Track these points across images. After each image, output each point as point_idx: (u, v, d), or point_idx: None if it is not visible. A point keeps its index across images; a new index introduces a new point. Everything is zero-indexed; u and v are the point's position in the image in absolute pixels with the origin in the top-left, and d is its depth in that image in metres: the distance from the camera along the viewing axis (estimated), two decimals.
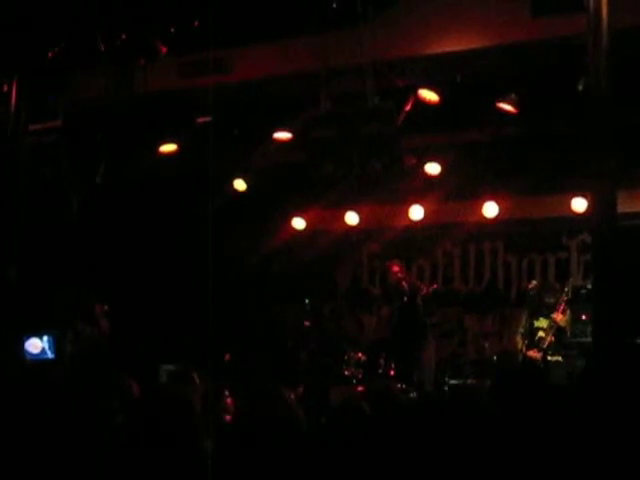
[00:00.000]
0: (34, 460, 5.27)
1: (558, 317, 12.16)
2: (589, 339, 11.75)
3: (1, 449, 5.39)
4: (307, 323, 14.17)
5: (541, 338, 12.20)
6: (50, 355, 11.11)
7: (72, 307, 12.81)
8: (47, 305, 12.35)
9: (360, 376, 12.85)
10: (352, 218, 15.11)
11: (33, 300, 11.45)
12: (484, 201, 13.89)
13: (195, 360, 8.98)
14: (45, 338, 11.16)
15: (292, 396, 5.66)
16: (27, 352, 11.14)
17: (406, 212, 14.59)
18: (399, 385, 12.08)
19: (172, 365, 12.64)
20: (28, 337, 11.20)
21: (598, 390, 5.78)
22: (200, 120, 11.90)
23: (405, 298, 13.19)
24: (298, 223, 15.53)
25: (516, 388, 5.77)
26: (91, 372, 11.49)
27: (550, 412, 5.45)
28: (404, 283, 13.38)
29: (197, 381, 8.69)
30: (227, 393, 9.44)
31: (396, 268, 13.60)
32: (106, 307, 12.84)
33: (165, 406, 5.50)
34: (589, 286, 12.28)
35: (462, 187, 13.99)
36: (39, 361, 11.06)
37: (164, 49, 10.76)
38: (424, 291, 13.37)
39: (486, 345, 13.63)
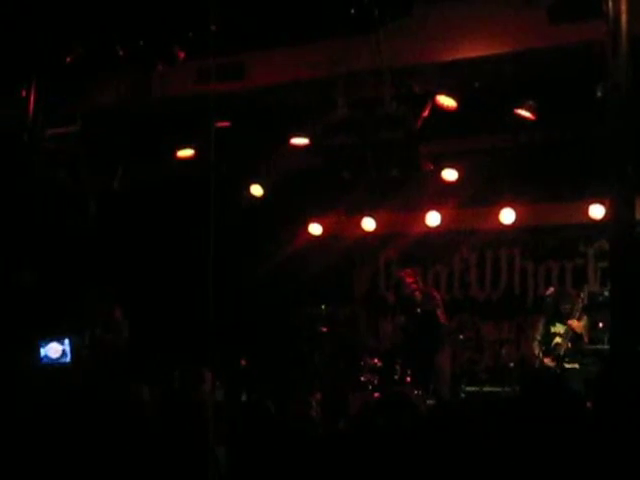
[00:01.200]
0: (48, 461, 5.28)
1: (574, 324, 12.12)
2: (606, 346, 11.73)
3: (18, 450, 5.41)
4: (323, 329, 14.15)
5: (557, 344, 12.16)
6: (68, 359, 11.13)
7: (91, 311, 12.85)
8: (65, 309, 12.38)
9: (376, 382, 12.80)
10: (369, 224, 15.09)
11: (51, 304, 11.48)
12: (501, 207, 13.85)
13: (210, 364, 9.00)
14: (66, 341, 11.18)
15: (313, 402, 5.67)
16: (46, 356, 11.16)
17: (423, 218, 14.56)
18: (415, 392, 12.05)
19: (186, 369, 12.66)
20: (48, 341, 11.22)
21: (613, 397, 5.76)
22: (217, 125, 11.92)
23: (419, 310, 13.12)
24: (315, 229, 15.52)
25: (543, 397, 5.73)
26: (108, 376, 11.52)
27: (569, 420, 5.43)
28: (418, 293, 13.32)
29: (209, 377, 8.67)
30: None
31: (410, 279, 13.52)
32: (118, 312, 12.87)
33: (178, 410, 5.50)
34: (606, 293, 12.24)
35: (479, 193, 13.97)
36: (57, 365, 11.08)
37: (182, 54, 10.78)
38: (438, 299, 13.27)
39: (503, 352, 13.58)
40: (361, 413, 5.81)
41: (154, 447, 5.38)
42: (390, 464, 4.93)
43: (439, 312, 12.95)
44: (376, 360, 13.09)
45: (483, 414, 5.23)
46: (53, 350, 11.20)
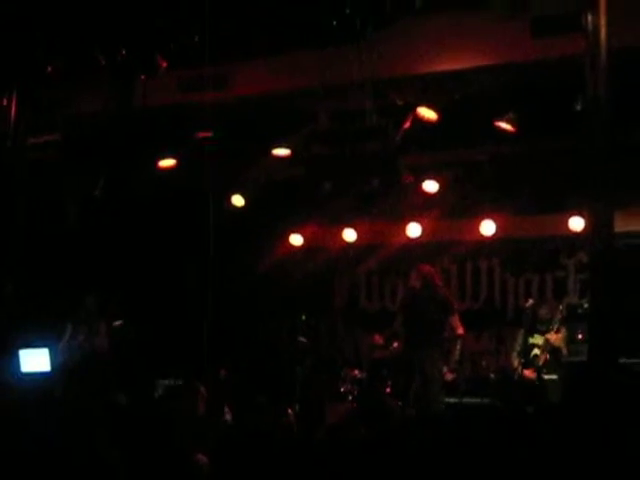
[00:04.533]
0: (30, 471, 5.27)
1: (552, 337, 12.13)
2: (585, 358, 11.76)
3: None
4: (303, 339, 14.13)
5: (536, 356, 12.19)
6: (48, 368, 11.09)
7: (72, 318, 12.82)
8: (46, 318, 12.35)
9: (356, 393, 12.78)
10: (349, 235, 15.10)
11: (31, 312, 11.46)
12: (481, 219, 13.89)
13: (191, 375, 9.00)
14: (46, 351, 11.14)
15: (290, 412, 5.68)
16: (26, 366, 11.11)
17: (403, 229, 14.58)
18: (397, 402, 12.01)
19: (168, 380, 12.63)
20: (28, 351, 11.17)
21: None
22: (199, 135, 11.92)
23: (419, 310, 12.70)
24: (295, 239, 15.52)
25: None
26: (86, 384, 11.49)
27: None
28: (419, 291, 13.02)
29: (202, 391, 8.66)
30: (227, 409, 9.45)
31: (414, 275, 13.12)
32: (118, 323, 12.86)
33: (158, 421, 5.50)
34: (585, 305, 12.27)
35: (459, 205, 14.00)
36: (37, 375, 11.04)
37: (164, 64, 10.79)
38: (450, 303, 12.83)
39: (483, 363, 13.59)
40: (336, 423, 5.80)
41: (132, 455, 5.37)
42: (363, 474, 4.94)
43: (451, 320, 12.50)
44: (356, 371, 13.09)
45: (463, 425, 5.24)
46: (34, 360, 11.16)
